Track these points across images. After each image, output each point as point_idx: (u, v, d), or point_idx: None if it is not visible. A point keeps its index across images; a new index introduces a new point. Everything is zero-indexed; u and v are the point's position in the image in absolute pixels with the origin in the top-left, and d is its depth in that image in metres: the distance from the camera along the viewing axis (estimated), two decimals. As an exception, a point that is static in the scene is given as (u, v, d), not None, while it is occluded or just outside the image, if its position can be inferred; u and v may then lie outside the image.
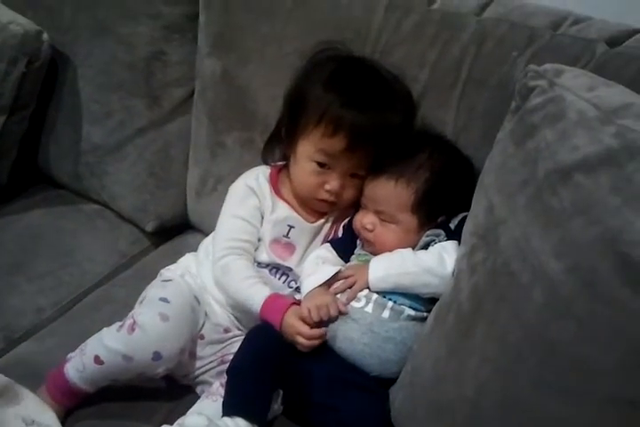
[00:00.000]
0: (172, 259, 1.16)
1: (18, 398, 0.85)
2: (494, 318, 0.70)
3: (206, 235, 1.16)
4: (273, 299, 0.94)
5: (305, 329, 0.90)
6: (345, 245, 1.02)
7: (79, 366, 0.91)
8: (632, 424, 0.58)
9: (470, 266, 0.77)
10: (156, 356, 0.90)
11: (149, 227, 1.32)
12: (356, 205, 1.03)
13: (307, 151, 0.99)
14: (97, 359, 0.90)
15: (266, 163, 1.12)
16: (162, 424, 0.88)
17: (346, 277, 0.95)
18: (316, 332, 0.90)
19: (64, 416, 0.92)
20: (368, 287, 0.93)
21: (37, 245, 1.30)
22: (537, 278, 0.66)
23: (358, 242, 1.02)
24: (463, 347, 0.74)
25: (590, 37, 0.95)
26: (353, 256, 1.01)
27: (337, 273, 0.96)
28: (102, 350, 0.90)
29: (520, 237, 0.70)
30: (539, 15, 1.01)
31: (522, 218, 0.71)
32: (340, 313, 0.92)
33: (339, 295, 0.94)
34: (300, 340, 0.90)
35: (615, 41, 0.95)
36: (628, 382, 0.57)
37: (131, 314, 0.94)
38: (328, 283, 0.96)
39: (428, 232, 0.96)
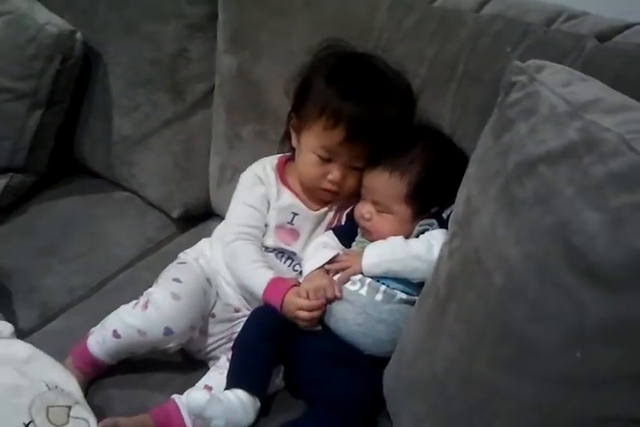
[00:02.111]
0: (196, 244, 1.23)
1: (43, 366, 0.94)
2: (463, 300, 0.75)
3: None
4: (275, 281, 1.01)
5: (305, 302, 0.96)
6: (346, 233, 1.08)
7: (100, 339, 1.01)
8: (572, 403, 0.63)
9: (449, 252, 0.83)
10: (167, 331, 0.98)
11: (175, 214, 1.41)
12: (358, 195, 1.08)
13: (310, 143, 1.06)
14: (115, 333, 0.99)
15: (282, 153, 1.19)
16: (174, 394, 0.98)
17: (342, 261, 1.01)
18: (315, 302, 0.96)
19: (87, 385, 1.01)
20: (362, 273, 0.99)
21: (71, 229, 1.40)
22: (498, 264, 0.71)
23: (359, 230, 1.08)
24: (437, 327, 0.80)
25: (581, 33, 0.98)
26: (353, 243, 1.07)
27: (335, 257, 1.03)
28: (120, 324, 0.99)
29: (488, 225, 0.75)
30: (535, 11, 1.04)
31: (491, 208, 0.76)
32: (335, 297, 0.98)
33: (335, 277, 1.00)
34: (302, 314, 0.97)
35: (605, 36, 0.97)
36: (569, 363, 0.62)
37: (146, 293, 1.03)
38: (327, 266, 1.02)
39: (421, 222, 1.01)
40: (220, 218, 1.38)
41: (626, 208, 0.61)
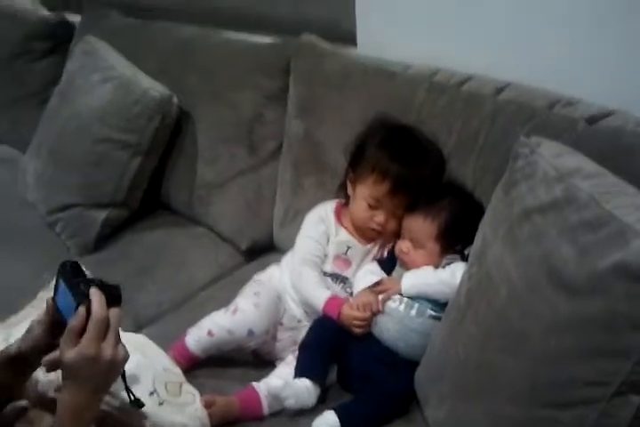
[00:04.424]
0: (260, 270, 1.48)
1: (157, 352, 1.21)
2: (477, 308, 1.03)
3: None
4: (333, 298, 1.29)
5: (358, 314, 1.23)
6: (388, 264, 1.35)
7: (196, 337, 1.29)
8: (553, 375, 0.90)
9: (468, 276, 1.11)
10: (250, 332, 1.27)
11: (244, 246, 1.68)
12: (397, 235, 1.35)
13: (362, 193, 1.34)
14: (210, 333, 1.28)
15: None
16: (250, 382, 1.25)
17: (385, 284, 1.29)
18: (366, 315, 1.22)
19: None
20: (401, 294, 1.26)
21: (159, 256, 1.68)
22: (504, 281, 0.99)
23: (397, 262, 1.35)
24: (458, 329, 1.07)
25: (574, 117, 1.20)
26: (393, 272, 1.35)
27: (379, 281, 1.30)
28: (214, 325, 1.28)
29: (498, 255, 1.03)
30: (540, 98, 1.27)
31: (500, 243, 1.04)
32: (379, 310, 1.25)
33: (380, 297, 1.28)
34: (355, 322, 1.23)
35: (593, 119, 1.19)
36: (548, 347, 0.90)
37: (234, 302, 1.32)
38: (373, 288, 1.30)
39: (447, 257, 1.27)
40: (280, 252, 1.60)
41: (590, 243, 0.89)
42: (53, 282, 0.95)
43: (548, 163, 1.04)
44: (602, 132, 1.18)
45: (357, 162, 1.37)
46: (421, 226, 1.29)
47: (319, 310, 1.29)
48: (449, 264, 1.27)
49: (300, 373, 1.21)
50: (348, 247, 1.38)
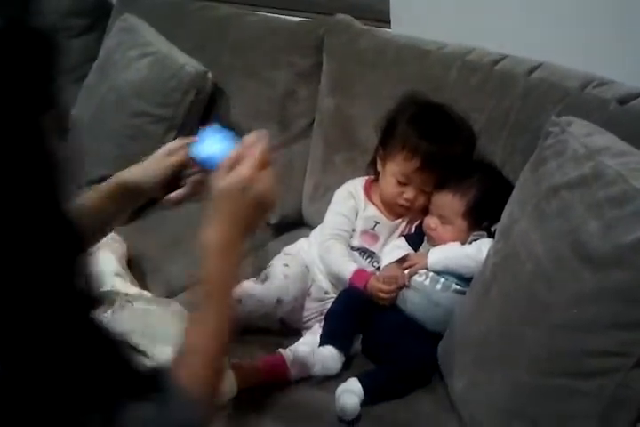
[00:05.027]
0: (289, 244, 1.52)
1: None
2: (503, 282, 1.06)
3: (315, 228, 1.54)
4: (360, 271, 1.32)
5: (384, 286, 1.26)
6: (415, 239, 1.38)
7: (227, 305, 1.34)
8: (572, 344, 0.92)
9: (494, 251, 1.13)
10: (279, 301, 1.31)
11: (273, 220, 1.71)
12: (425, 211, 1.38)
13: (391, 170, 1.37)
14: (239, 301, 1.32)
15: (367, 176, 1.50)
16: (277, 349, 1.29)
17: (412, 259, 1.32)
18: (391, 287, 1.26)
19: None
20: (427, 268, 1.29)
21: (190, 229, 1.66)
22: (530, 256, 1.01)
23: (425, 238, 1.38)
24: (483, 301, 1.10)
25: (606, 97, 1.20)
26: (420, 247, 1.38)
27: (406, 256, 1.33)
28: (244, 293, 1.31)
29: (524, 231, 1.06)
30: (573, 78, 1.27)
31: (526, 219, 1.06)
32: (405, 285, 1.28)
33: (406, 271, 1.31)
34: (381, 295, 1.26)
35: (625, 100, 1.18)
36: (570, 317, 0.92)
37: (263, 272, 1.36)
38: (399, 263, 1.33)
39: (474, 233, 1.30)
40: (309, 227, 1.64)
41: (614, 218, 0.90)
42: None
43: (577, 141, 1.06)
44: (632, 112, 1.18)
45: (387, 139, 1.39)
46: (450, 202, 1.31)
47: (346, 281, 1.33)
48: (475, 240, 1.30)
49: (325, 340, 1.25)
50: (376, 223, 1.41)
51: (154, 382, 0.74)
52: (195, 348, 0.83)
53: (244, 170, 0.88)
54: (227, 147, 0.95)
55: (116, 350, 0.72)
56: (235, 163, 0.88)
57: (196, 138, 1.01)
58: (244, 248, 0.91)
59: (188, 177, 1.06)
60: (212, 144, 0.98)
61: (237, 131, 1.00)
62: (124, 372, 0.71)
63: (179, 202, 1.02)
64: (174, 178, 1.05)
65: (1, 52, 0.57)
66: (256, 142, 0.91)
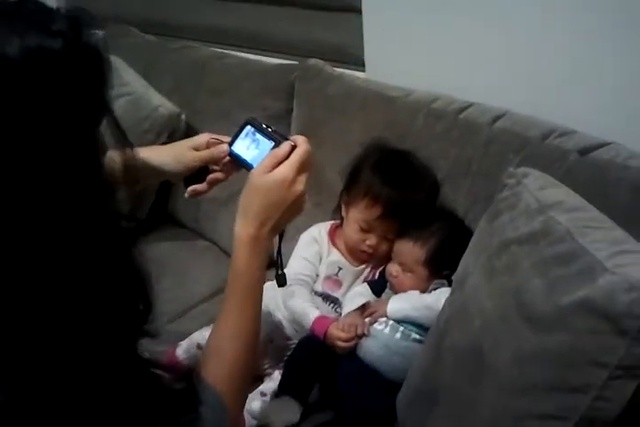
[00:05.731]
0: None
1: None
2: (453, 336, 1.05)
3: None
4: (320, 318, 1.31)
5: (342, 334, 1.25)
6: (378, 286, 1.37)
7: (186, 349, 1.33)
8: (515, 405, 0.92)
9: (449, 303, 1.13)
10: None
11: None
12: (389, 257, 1.37)
13: (354, 217, 1.37)
14: (199, 346, 1.32)
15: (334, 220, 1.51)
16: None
17: (372, 307, 1.32)
18: (349, 335, 1.25)
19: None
20: (387, 316, 1.28)
21: (162, 267, 1.70)
22: (478, 312, 1.01)
23: (387, 284, 1.37)
24: (435, 355, 1.08)
25: (567, 147, 1.22)
26: (383, 294, 1.38)
27: (367, 303, 1.33)
28: (203, 340, 1.31)
29: (476, 285, 1.05)
30: (535, 128, 1.28)
31: (479, 272, 1.06)
32: (364, 333, 1.27)
33: (366, 320, 1.31)
34: (340, 344, 1.25)
35: (586, 151, 1.19)
36: (513, 375, 0.91)
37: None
38: (360, 310, 1.33)
39: (435, 281, 1.30)
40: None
41: (559, 277, 0.90)
42: None
43: (531, 194, 1.06)
44: (591, 164, 1.19)
45: (351, 185, 1.40)
46: (410, 250, 1.31)
47: (307, 328, 1.32)
48: (436, 289, 1.30)
49: (283, 390, 1.24)
50: (340, 268, 1.41)
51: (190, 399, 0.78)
52: (217, 350, 0.87)
53: (287, 171, 0.90)
54: (267, 145, 0.97)
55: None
56: (277, 162, 0.91)
57: (226, 137, 1.07)
58: (270, 247, 0.96)
59: (211, 172, 1.11)
60: (251, 142, 1.00)
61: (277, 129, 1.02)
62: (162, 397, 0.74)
63: (200, 195, 1.11)
64: (200, 171, 1.10)
65: (65, 70, 0.61)
66: (300, 144, 0.94)
